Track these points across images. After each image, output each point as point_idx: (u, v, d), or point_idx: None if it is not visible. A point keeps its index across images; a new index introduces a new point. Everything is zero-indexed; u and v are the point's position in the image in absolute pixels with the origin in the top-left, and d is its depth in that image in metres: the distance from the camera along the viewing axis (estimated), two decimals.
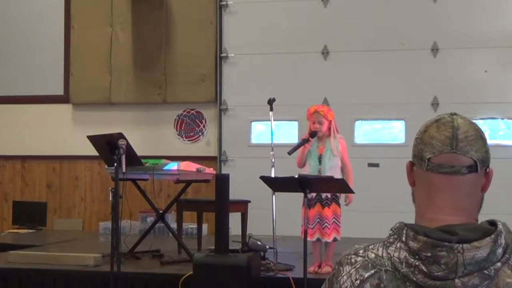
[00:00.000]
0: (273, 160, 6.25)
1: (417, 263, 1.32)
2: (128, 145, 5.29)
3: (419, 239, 1.33)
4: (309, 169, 5.46)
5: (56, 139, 8.84)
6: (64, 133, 8.84)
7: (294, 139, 7.82)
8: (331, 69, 8.07)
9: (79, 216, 8.82)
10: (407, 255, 1.34)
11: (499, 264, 1.32)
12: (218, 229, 5.13)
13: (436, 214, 1.41)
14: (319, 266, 5.48)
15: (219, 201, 5.18)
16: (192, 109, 8.55)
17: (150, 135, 8.51)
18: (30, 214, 8.57)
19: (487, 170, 1.45)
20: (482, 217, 1.44)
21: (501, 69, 7.74)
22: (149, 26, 8.57)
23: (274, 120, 6.58)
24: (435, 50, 7.81)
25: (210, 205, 5.87)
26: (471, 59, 7.78)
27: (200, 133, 8.53)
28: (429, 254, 1.31)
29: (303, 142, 5.52)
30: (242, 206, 6.41)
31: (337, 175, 5.37)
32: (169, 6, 8.53)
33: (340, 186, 5.11)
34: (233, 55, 8.35)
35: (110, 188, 5.11)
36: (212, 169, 6.46)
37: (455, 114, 1.46)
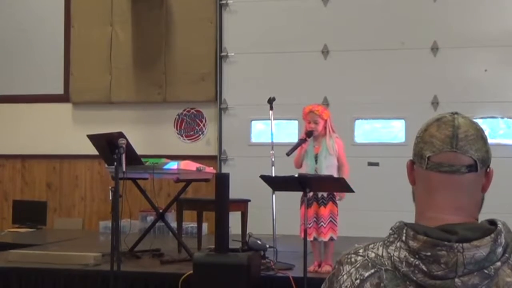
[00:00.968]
0: (273, 159, 6.25)
1: (417, 263, 1.32)
2: (128, 144, 5.29)
3: (419, 238, 1.33)
4: (306, 169, 5.46)
5: (56, 139, 8.84)
6: (64, 132, 8.84)
7: (294, 138, 7.79)
8: (331, 68, 8.07)
9: (79, 215, 8.83)
10: (407, 254, 1.34)
11: (499, 263, 1.32)
12: (218, 228, 5.13)
13: (436, 213, 1.41)
14: (319, 265, 5.48)
15: (219, 200, 5.18)
16: (192, 108, 8.55)
17: (150, 134, 8.51)
18: (30, 213, 8.57)
19: (488, 170, 1.45)
20: (482, 217, 1.44)
21: (501, 68, 7.74)
22: (149, 25, 8.57)
23: (274, 119, 6.59)
24: (435, 49, 7.81)
25: (210, 204, 5.87)
26: (471, 58, 7.77)
27: (200, 132, 8.53)
28: (429, 254, 1.31)
29: (300, 142, 5.53)
30: (242, 205, 6.41)
31: (334, 174, 5.37)
32: (169, 5, 8.53)
33: (340, 185, 5.11)
34: (233, 54, 8.35)
35: (110, 187, 5.11)
36: (212, 168, 6.46)
37: (456, 113, 1.46)
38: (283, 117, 7.88)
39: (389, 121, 8.04)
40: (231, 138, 8.33)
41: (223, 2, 8.40)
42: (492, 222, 1.38)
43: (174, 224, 6.70)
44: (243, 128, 8.28)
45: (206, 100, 8.42)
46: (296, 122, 7.98)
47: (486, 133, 1.46)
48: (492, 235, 1.33)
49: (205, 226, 7.12)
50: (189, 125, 8.56)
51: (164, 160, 6.16)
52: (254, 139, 8.32)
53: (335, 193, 5.48)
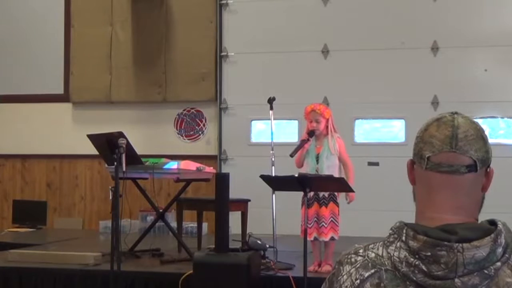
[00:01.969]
0: (273, 159, 6.25)
1: (417, 263, 1.32)
2: (128, 144, 5.29)
3: (419, 238, 1.33)
4: (307, 168, 5.46)
5: (56, 138, 8.84)
6: (64, 132, 8.84)
7: (294, 138, 7.82)
8: (331, 68, 8.07)
9: (79, 215, 8.83)
10: (407, 254, 1.34)
11: (499, 263, 1.32)
12: (218, 228, 5.13)
13: (435, 213, 1.41)
14: (319, 265, 5.48)
15: (219, 200, 5.18)
16: (192, 108, 8.55)
17: (150, 134, 8.51)
18: (30, 213, 8.57)
19: (488, 170, 1.45)
20: (482, 217, 1.44)
21: (501, 68, 7.74)
22: (149, 25, 8.57)
23: (274, 119, 6.58)
24: (435, 49, 7.81)
25: (210, 204, 5.87)
26: (471, 58, 7.78)
27: (200, 132, 8.53)
28: (429, 254, 1.31)
29: (302, 143, 5.52)
30: (242, 205, 6.41)
31: (335, 174, 5.37)
32: (169, 5, 8.53)
33: (340, 185, 5.11)
34: (233, 54, 8.35)
35: (110, 187, 5.11)
36: (212, 168, 6.46)
37: (456, 113, 1.46)
38: (283, 117, 7.88)
39: (389, 121, 8.04)
40: (231, 138, 8.33)
41: (223, 2, 8.40)
42: (492, 222, 1.38)
43: (174, 224, 6.70)
44: (243, 128, 8.28)
45: (206, 100, 8.42)
46: (296, 122, 7.98)
47: (486, 133, 1.46)
48: (492, 235, 1.33)
49: (205, 225, 7.12)
50: (189, 125, 8.56)
51: (164, 160, 6.16)
52: (254, 139, 8.32)
53: (340, 196, 5.48)
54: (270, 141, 6.49)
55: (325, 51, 8.12)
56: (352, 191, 5.10)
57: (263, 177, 5.21)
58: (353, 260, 1.42)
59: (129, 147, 5.31)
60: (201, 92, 8.40)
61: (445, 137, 1.41)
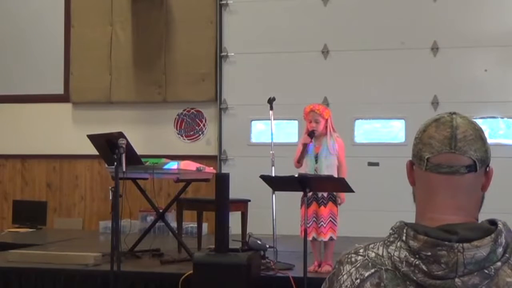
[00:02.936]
0: (273, 159, 6.25)
1: (417, 262, 1.32)
2: (128, 144, 5.29)
3: (419, 238, 1.33)
4: (306, 168, 5.47)
5: (56, 138, 8.84)
6: (64, 132, 8.84)
7: (294, 138, 7.83)
8: (331, 68, 8.07)
9: (79, 215, 8.83)
10: (407, 254, 1.34)
11: (499, 263, 1.32)
12: (218, 228, 5.13)
13: (436, 213, 1.41)
14: (319, 265, 5.48)
15: (219, 200, 5.18)
16: (192, 108, 8.55)
17: (150, 134, 8.51)
18: (30, 213, 8.57)
19: (487, 170, 1.45)
20: (482, 216, 1.44)
21: (501, 68, 7.74)
22: (149, 25, 8.57)
23: (274, 119, 6.58)
24: (435, 49, 7.81)
25: (210, 204, 5.87)
26: (471, 58, 7.78)
27: (200, 132, 8.53)
28: (429, 253, 1.31)
29: (305, 146, 5.52)
30: (242, 205, 6.42)
31: (335, 174, 5.37)
32: (169, 5, 8.53)
33: (340, 185, 5.11)
34: (233, 54, 8.35)
35: (110, 187, 5.11)
36: (212, 168, 6.47)
37: (454, 113, 1.46)
38: (283, 117, 7.88)
39: (389, 121, 8.04)
40: (231, 138, 8.33)
41: (223, 2, 8.40)
42: (493, 222, 1.38)
43: (174, 224, 6.71)
44: (243, 128, 8.28)
45: (206, 100, 8.42)
46: (296, 122, 7.98)
47: (486, 133, 1.46)
48: (493, 235, 1.33)
49: (205, 226, 7.12)
50: (189, 125, 8.56)
51: (164, 160, 6.16)
52: (254, 139, 8.32)
53: (336, 197, 5.48)
54: (270, 141, 6.50)
55: (325, 51, 8.12)
56: (352, 191, 5.10)
57: (263, 177, 5.21)
58: (353, 259, 1.42)
59: (129, 147, 5.31)
60: (201, 92, 8.40)
61: (444, 138, 1.41)
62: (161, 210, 6.45)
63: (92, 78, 8.67)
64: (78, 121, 8.83)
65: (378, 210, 7.46)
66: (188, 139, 8.55)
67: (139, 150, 5.87)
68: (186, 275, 5.18)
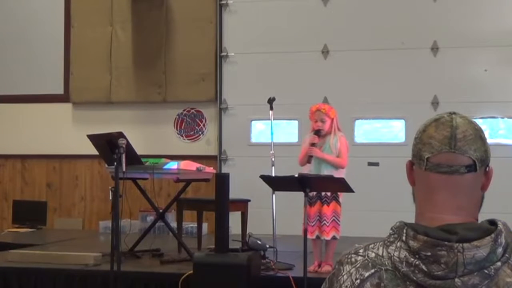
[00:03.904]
0: (273, 159, 6.26)
1: (417, 263, 1.32)
2: (128, 144, 5.29)
3: (419, 238, 1.33)
4: (310, 167, 5.47)
5: (56, 138, 8.84)
6: (64, 132, 8.83)
7: (294, 138, 7.83)
8: (331, 68, 8.07)
9: (79, 215, 8.82)
10: (407, 254, 1.34)
11: (499, 263, 1.32)
12: (218, 228, 5.13)
13: (435, 213, 1.41)
14: (319, 265, 5.48)
15: (219, 200, 5.18)
16: (192, 108, 8.55)
17: (150, 134, 8.51)
18: (30, 213, 8.57)
19: (487, 169, 1.44)
20: (482, 216, 1.44)
21: (501, 68, 7.74)
22: (149, 25, 8.57)
23: (274, 119, 6.59)
24: (435, 49, 7.81)
25: (210, 204, 5.87)
26: (471, 58, 7.78)
27: (200, 132, 8.53)
28: (429, 254, 1.31)
29: (313, 146, 5.51)
30: (242, 205, 6.42)
31: (335, 173, 5.37)
32: (169, 5, 8.53)
33: (340, 185, 5.11)
34: (233, 54, 8.35)
35: (110, 187, 5.12)
36: (212, 168, 6.47)
37: (454, 113, 1.46)
38: (283, 117, 7.88)
39: (389, 121, 8.04)
40: (231, 138, 8.33)
41: (223, 2, 8.40)
42: (492, 222, 1.38)
43: (174, 224, 6.70)
44: (243, 128, 8.28)
45: (206, 100, 8.42)
46: (296, 122, 7.98)
47: (486, 132, 1.46)
48: (493, 235, 1.32)
49: (205, 226, 7.12)
50: (189, 125, 8.56)
51: (164, 160, 6.16)
52: (254, 139, 8.32)
53: (343, 196, 5.48)
54: (270, 141, 6.50)
55: (325, 51, 8.12)
56: (352, 191, 5.09)
57: (263, 177, 5.22)
58: (353, 260, 1.42)
59: (129, 147, 5.31)
60: (201, 92, 8.40)
61: (444, 138, 1.41)
62: (161, 210, 6.45)
63: (92, 78, 8.67)
64: (78, 121, 8.83)
65: (378, 210, 7.46)
66: (188, 139, 8.55)
67: (139, 150, 5.87)
68: (186, 275, 5.18)
